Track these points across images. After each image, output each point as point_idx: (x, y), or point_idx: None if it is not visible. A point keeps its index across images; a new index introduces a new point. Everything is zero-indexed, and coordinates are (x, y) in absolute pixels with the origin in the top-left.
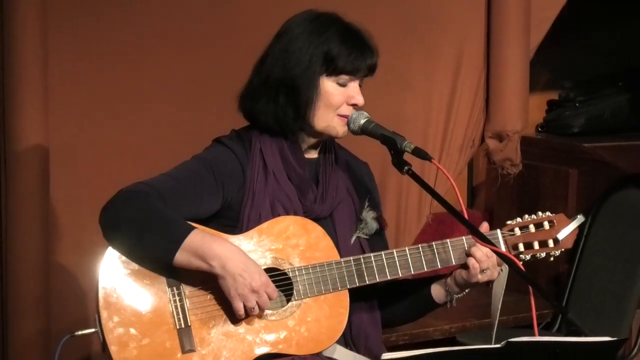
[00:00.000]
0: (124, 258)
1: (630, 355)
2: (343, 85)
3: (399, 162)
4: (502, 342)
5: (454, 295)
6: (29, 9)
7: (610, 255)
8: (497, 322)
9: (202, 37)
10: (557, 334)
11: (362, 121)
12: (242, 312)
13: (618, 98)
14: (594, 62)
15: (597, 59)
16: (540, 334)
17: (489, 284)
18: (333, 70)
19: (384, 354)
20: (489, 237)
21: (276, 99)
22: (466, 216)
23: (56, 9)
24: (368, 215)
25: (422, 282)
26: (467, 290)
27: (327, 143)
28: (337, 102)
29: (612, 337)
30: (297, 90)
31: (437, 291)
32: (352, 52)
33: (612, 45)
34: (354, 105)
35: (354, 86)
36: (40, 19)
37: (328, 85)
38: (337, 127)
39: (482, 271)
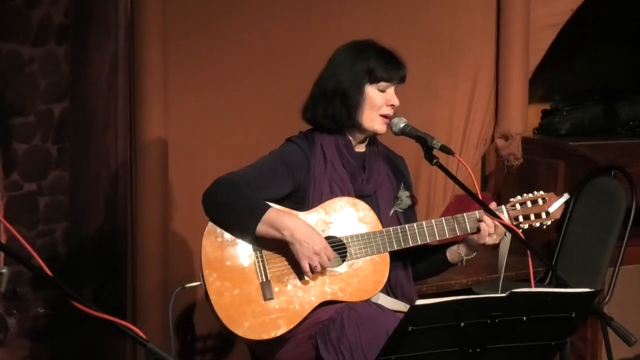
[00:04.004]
0: (219, 230)
1: (603, 303)
2: (382, 90)
3: (430, 156)
4: (507, 292)
5: (463, 257)
6: (152, 29)
7: (588, 226)
8: (502, 276)
9: (293, 57)
10: (549, 286)
11: (402, 125)
12: (308, 270)
13: (595, 108)
14: (577, 81)
15: (579, 79)
16: (536, 286)
17: (495, 247)
18: (374, 79)
19: (417, 301)
20: (496, 212)
21: (333, 105)
22: (480, 197)
23: (175, 29)
24: (403, 194)
25: (440, 248)
26: (474, 254)
27: (371, 140)
28: (379, 104)
29: (590, 289)
30: (348, 96)
31: (451, 254)
32: (387, 66)
33: (591, 68)
34: (392, 106)
35: (390, 91)
36: (162, 36)
37: (371, 91)
38: (380, 125)
39: (489, 235)
